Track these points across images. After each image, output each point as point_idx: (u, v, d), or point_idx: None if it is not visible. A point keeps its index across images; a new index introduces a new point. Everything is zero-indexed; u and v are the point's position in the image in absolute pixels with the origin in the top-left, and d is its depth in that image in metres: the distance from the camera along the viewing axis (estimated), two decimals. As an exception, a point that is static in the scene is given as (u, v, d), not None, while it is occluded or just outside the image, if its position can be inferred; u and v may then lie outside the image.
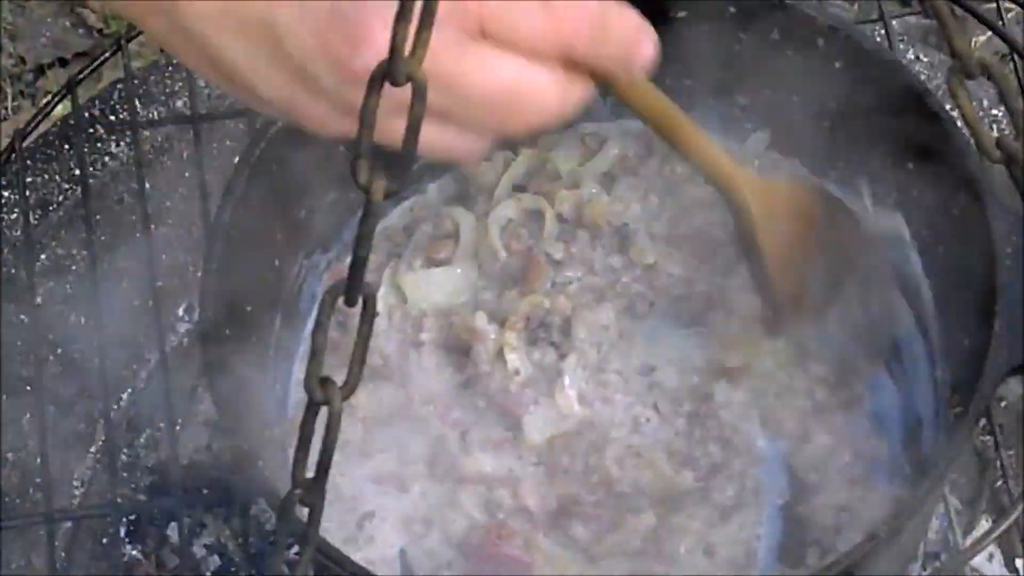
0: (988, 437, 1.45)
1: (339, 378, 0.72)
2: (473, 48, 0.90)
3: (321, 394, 0.71)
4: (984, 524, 1.43)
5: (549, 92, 0.93)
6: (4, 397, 1.45)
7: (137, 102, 1.55)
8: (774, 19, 1.22)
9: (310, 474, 0.74)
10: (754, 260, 1.20)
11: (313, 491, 0.74)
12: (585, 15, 0.94)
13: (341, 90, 0.89)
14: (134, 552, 1.45)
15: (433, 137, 0.90)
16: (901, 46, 1.55)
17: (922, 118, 1.16)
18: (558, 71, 0.93)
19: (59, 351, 1.49)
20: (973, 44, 1.76)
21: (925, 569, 1.37)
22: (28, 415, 1.45)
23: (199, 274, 1.17)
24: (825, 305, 1.20)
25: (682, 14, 1.23)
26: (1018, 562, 1.45)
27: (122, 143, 1.56)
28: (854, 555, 1.02)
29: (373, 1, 0.87)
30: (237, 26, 0.90)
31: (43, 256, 1.53)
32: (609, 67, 0.97)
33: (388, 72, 0.69)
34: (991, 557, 1.44)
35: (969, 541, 1.37)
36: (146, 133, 1.55)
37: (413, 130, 0.70)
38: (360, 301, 0.71)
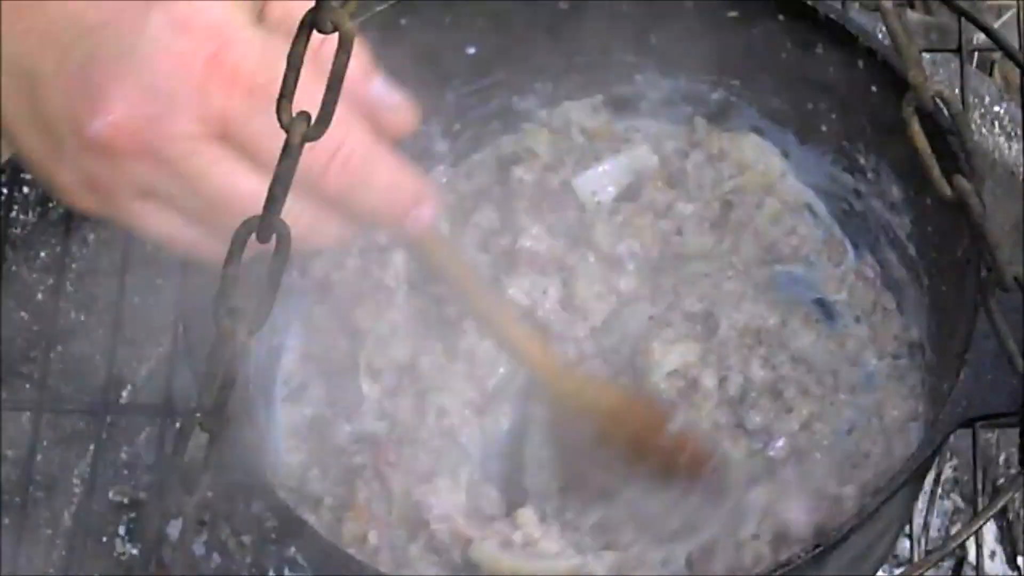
0: (991, 434, 1.45)
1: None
2: (208, 147, 0.85)
3: (229, 324, 0.72)
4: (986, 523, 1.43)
5: (291, 214, 0.81)
6: (4, 394, 1.44)
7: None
8: (819, 33, 1.21)
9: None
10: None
11: (213, 417, 0.74)
12: (339, 155, 0.87)
13: (80, 157, 0.84)
14: (134, 551, 1.45)
15: (175, 231, 0.87)
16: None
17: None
18: (306, 201, 0.87)
19: (59, 348, 1.49)
20: (974, 40, 1.76)
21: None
22: (28, 413, 1.45)
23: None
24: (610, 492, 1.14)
25: (733, 14, 1.24)
26: (1019, 560, 1.44)
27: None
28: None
29: (119, 63, 0.82)
30: (7, 70, 0.85)
31: (43, 253, 1.52)
32: (372, 217, 0.92)
33: (315, 20, 0.69)
34: (993, 555, 1.44)
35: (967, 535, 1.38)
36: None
37: (336, 79, 0.70)
38: (273, 239, 0.72)
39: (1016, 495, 1.45)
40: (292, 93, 0.70)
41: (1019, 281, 0.79)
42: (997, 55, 1.66)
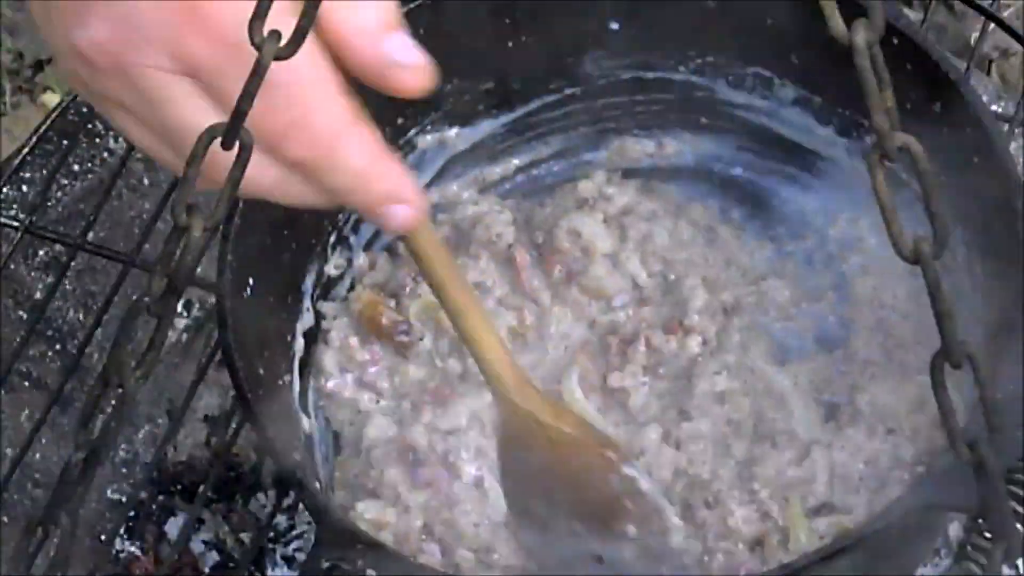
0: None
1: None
2: (177, 83, 0.87)
3: (185, 219, 0.76)
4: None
5: (260, 172, 0.89)
6: (3, 393, 1.44)
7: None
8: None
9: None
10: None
11: (162, 304, 0.78)
12: (301, 127, 0.88)
13: (68, 59, 0.89)
14: (132, 548, 1.45)
15: (143, 140, 0.91)
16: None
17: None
18: (271, 159, 0.89)
19: (58, 347, 1.49)
20: (972, 41, 1.76)
21: (925, 566, 1.37)
22: (27, 411, 1.45)
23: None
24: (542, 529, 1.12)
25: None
26: (1019, 560, 1.44)
27: (120, 138, 1.56)
28: (823, 552, 1.00)
29: None
30: None
31: (41, 252, 1.52)
32: (342, 198, 0.93)
33: None
34: (991, 553, 1.44)
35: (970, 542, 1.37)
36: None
37: (312, 2, 0.73)
38: (236, 147, 0.75)
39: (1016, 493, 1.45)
40: (266, 13, 0.72)
41: (971, 359, 0.75)
42: (995, 54, 1.66)
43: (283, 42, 0.73)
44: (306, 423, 1.22)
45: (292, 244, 1.22)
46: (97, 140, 1.56)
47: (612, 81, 1.29)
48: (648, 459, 1.18)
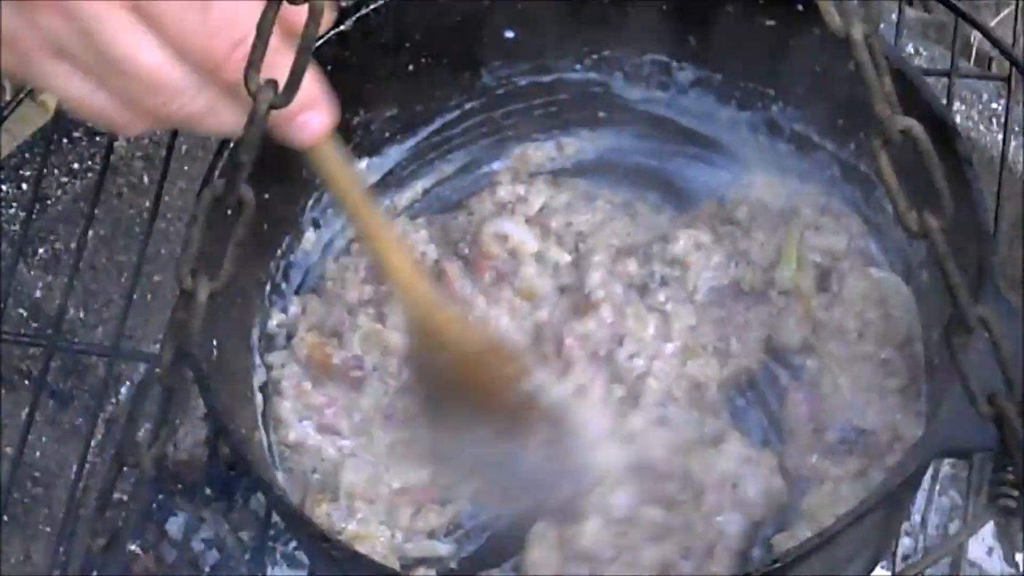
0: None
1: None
2: (117, 13, 0.87)
3: (190, 283, 0.75)
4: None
5: (187, 94, 0.90)
6: (3, 392, 1.44)
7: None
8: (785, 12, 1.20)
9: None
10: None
11: (172, 374, 0.76)
12: (242, 48, 0.87)
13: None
14: (133, 547, 1.45)
15: (84, 95, 0.90)
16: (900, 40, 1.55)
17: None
18: (209, 83, 0.90)
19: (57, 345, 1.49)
20: (972, 39, 1.76)
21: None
22: (27, 409, 1.45)
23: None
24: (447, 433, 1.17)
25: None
26: (1018, 556, 1.44)
27: (120, 137, 1.56)
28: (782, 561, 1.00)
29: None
30: None
31: (41, 250, 1.52)
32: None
33: None
34: (991, 552, 1.44)
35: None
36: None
37: (305, 48, 0.73)
38: (237, 203, 0.75)
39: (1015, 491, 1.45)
40: (260, 62, 0.72)
41: (984, 321, 0.78)
42: (995, 52, 1.65)
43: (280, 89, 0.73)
44: (280, 477, 1.23)
45: (238, 300, 1.22)
46: (97, 139, 1.56)
47: (510, 89, 1.31)
48: (656, 455, 1.20)
